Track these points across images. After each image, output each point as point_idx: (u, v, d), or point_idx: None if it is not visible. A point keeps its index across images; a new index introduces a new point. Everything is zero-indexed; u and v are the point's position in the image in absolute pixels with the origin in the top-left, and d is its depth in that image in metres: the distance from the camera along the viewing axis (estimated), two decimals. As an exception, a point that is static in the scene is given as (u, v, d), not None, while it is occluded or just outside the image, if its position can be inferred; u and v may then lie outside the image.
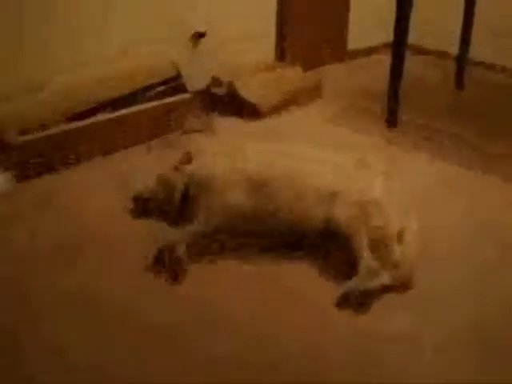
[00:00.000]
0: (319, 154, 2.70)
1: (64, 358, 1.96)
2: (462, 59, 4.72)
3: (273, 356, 2.01)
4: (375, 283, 2.31)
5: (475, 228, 2.76)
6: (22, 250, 2.49)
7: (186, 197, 2.74)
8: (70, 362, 1.95)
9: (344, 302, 2.28)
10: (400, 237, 2.43)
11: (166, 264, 2.42)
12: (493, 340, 2.11)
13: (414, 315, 2.21)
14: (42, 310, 2.17)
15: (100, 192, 2.99)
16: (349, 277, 2.36)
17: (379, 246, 2.40)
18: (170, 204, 2.76)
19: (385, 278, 2.34)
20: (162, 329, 2.10)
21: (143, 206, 2.81)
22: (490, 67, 5.31)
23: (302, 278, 2.41)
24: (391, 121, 4.02)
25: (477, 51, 4.92)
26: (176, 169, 2.82)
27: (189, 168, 2.80)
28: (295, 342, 2.07)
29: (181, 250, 2.45)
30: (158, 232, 2.62)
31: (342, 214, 2.46)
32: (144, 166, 3.20)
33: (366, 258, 2.36)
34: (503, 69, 5.30)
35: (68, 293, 2.25)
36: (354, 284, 2.32)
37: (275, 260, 2.51)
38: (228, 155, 2.71)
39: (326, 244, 2.56)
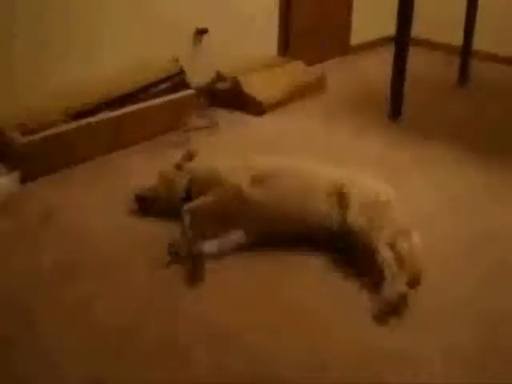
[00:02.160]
0: (322, 169, 2.69)
1: (62, 372, 1.95)
2: (465, 51, 4.71)
3: (278, 370, 1.99)
4: (402, 286, 2.27)
5: (474, 244, 2.69)
6: (23, 267, 2.46)
7: (188, 194, 2.75)
8: (67, 376, 1.94)
9: (383, 315, 2.22)
10: (405, 235, 2.43)
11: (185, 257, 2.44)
12: (493, 358, 2.07)
13: (413, 333, 2.15)
14: (41, 324, 2.15)
15: (103, 197, 2.97)
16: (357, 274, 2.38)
17: (389, 239, 2.40)
18: (172, 201, 2.76)
19: (404, 278, 2.31)
20: (164, 345, 2.07)
21: (146, 205, 2.81)
22: (494, 58, 5.30)
23: (305, 292, 2.36)
24: (394, 115, 4.01)
25: (480, 43, 4.91)
26: (178, 166, 2.84)
27: (191, 165, 2.82)
28: (300, 357, 2.03)
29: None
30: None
31: (356, 216, 2.46)
32: (146, 165, 3.21)
33: (384, 252, 2.35)
34: (506, 60, 5.28)
35: (68, 308, 2.23)
36: (388, 292, 2.25)
37: (278, 267, 2.49)
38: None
39: (337, 242, 2.54)
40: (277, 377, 1.96)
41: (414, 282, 2.35)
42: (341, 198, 2.51)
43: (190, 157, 2.87)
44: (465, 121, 4.06)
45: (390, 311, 2.21)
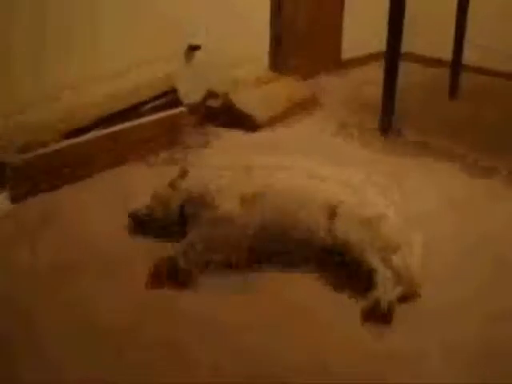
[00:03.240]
0: (323, 171, 2.69)
1: (61, 372, 1.95)
2: (455, 65, 4.75)
3: (278, 371, 1.99)
4: (395, 293, 2.29)
5: (474, 244, 2.72)
6: (22, 267, 2.49)
7: (182, 213, 2.73)
8: (67, 376, 1.94)
9: (370, 315, 2.24)
10: (404, 249, 2.42)
11: (167, 277, 2.42)
12: (496, 357, 2.08)
13: (414, 334, 2.17)
14: (40, 325, 2.15)
15: (100, 209, 2.98)
16: (354, 290, 2.38)
17: (385, 257, 2.39)
18: (166, 221, 2.74)
19: (399, 288, 2.32)
20: (162, 345, 2.07)
21: (140, 224, 2.79)
22: (484, 72, 5.34)
23: (305, 292, 2.40)
24: (385, 129, 4.03)
25: (470, 56, 4.96)
26: (171, 185, 2.81)
27: (184, 184, 2.80)
28: (300, 358, 2.05)
29: (181, 262, 2.45)
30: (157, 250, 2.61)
31: (348, 228, 2.45)
32: (142, 182, 3.20)
33: (381, 269, 2.35)
34: (497, 73, 5.33)
35: (67, 309, 2.24)
36: (377, 295, 2.28)
37: (278, 274, 2.50)
38: (229, 170, 2.73)
39: (331, 258, 2.52)
40: (276, 377, 1.96)
41: (411, 296, 2.34)
42: (334, 210, 2.49)
43: (183, 174, 2.86)
44: (456, 132, 4.09)
45: (377, 313, 2.23)
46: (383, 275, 2.33)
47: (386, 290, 2.28)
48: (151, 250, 2.59)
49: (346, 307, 2.30)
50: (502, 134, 4.06)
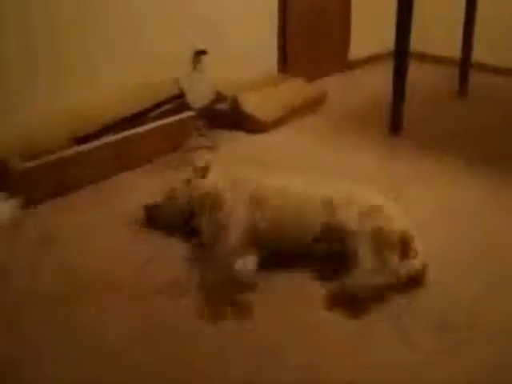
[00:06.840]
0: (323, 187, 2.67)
1: None
2: (464, 63, 4.71)
3: (278, 377, 1.99)
4: (373, 281, 2.30)
5: (479, 246, 2.71)
6: (23, 284, 2.47)
7: (191, 211, 2.75)
8: None
9: (336, 301, 2.28)
10: (404, 240, 2.41)
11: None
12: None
13: (413, 342, 2.15)
14: (42, 347, 2.13)
15: (106, 219, 2.97)
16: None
17: (382, 248, 2.38)
18: (174, 218, 2.80)
19: (380, 279, 2.31)
20: (165, 367, 2.04)
21: (151, 217, 2.86)
22: (493, 70, 5.31)
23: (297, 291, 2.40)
24: (395, 129, 4.01)
25: (479, 55, 4.93)
26: (187, 183, 2.84)
27: (196, 183, 2.81)
28: (297, 366, 2.04)
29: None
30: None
31: (343, 215, 2.45)
32: (150, 188, 3.20)
33: (366, 259, 2.34)
34: (505, 71, 5.29)
35: (70, 330, 2.21)
36: (349, 281, 2.31)
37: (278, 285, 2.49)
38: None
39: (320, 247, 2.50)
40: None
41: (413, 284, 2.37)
42: (333, 204, 2.50)
43: (203, 173, 2.88)
44: (464, 133, 4.06)
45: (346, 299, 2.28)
46: (362, 264, 2.33)
47: (359, 277, 2.30)
48: (154, 269, 2.57)
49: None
50: (510, 136, 4.01)
